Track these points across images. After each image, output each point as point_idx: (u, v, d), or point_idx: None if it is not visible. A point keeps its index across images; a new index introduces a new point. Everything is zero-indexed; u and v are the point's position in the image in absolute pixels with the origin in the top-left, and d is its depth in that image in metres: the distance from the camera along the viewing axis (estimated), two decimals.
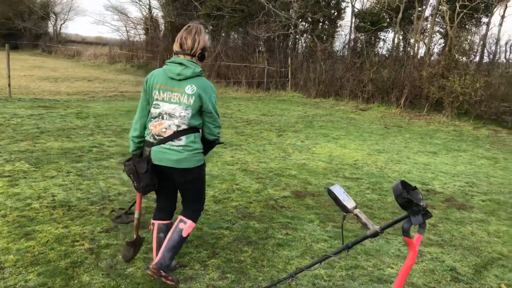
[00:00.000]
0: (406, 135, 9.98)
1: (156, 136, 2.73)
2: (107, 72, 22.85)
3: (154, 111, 2.74)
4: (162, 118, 2.70)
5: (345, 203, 2.00)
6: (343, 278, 3.14)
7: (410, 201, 1.78)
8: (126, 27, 29.78)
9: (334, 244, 3.72)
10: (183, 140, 2.69)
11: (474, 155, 8.31)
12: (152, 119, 2.75)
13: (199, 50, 2.73)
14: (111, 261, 3.14)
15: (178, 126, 2.68)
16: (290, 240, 3.75)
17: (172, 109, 2.68)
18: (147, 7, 27.26)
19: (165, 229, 2.98)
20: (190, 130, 2.72)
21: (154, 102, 2.73)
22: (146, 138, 2.81)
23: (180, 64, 2.69)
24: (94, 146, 6.56)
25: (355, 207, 2.01)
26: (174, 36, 2.96)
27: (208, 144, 2.88)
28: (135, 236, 3.17)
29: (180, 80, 2.68)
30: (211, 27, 22.13)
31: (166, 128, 2.69)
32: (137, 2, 26.75)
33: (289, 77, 17.97)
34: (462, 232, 4.24)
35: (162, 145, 2.70)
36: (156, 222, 3.00)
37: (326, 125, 10.66)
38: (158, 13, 27.53)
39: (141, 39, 28.60)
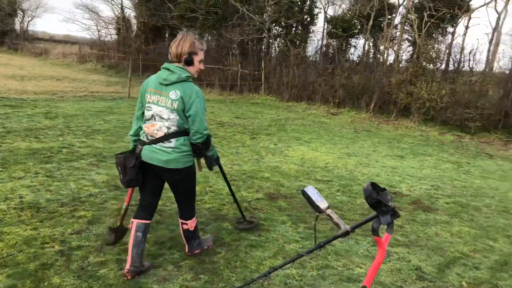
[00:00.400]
0: (375, 139, 10.24)
1: (149, 136, 2.92)
2: (77, 72, 22.34)
3: (147, 113, 2.94)
4: (154, 119, 2.90)
5: (318, 203, 2.07)
6: (314, 278, 3.22)
7: (379, 202, 1.86)
8: (97, 26, 29.15)
9: (305, 244, 3.80)
10: (173, 142, 2.87)
11: (439, 159, 8.62)
12: (146, 121, 2.95)
13: (185, 55, 2.87)
14: (83, 262, 3.11)
15: (168, 128, 2.86)
16: (263, 241, 3.80)
17: (160, 111, 2.86)
18: (119, 6, 26.81)
19: (143, 229, 3.03)
20: (180, 133, 2.89)
21: (147, 105, 2.93)
22: (140, 138, 3.00)
23: (168, 69, 2.87)
24: (64, 147, 6.43)
25: (328, 208, 2.09)
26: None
27: (194, 147, 2.96)
28: (118, 224, 3.32)
29: (166, 85, 2.84)
30: (184, 29, 21.97)
31: (157, 130, 2.88)
32: (109, 1, 26.27)
33: (263, 80, 18.09)
34: (427, 233, 4.41)
35: (154, 145, 2.90)
36: (136, 221, 3.05)
37: (299, 128, 10.81)
38: (130, 13, 27.11)
39: (113, 39, 28.11)
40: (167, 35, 24.80)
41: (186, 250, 3.36)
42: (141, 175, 2.96)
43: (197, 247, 3.36)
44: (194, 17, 20.17)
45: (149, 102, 2.90)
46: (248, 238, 3.82)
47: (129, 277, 2.93)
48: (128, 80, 14.48)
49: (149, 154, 2.90)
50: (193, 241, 3.33)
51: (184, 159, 2.92)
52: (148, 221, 3.09)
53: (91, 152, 6.32)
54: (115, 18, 27.18)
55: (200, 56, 2.95)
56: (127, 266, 2.95)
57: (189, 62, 2.90)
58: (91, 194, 4.57)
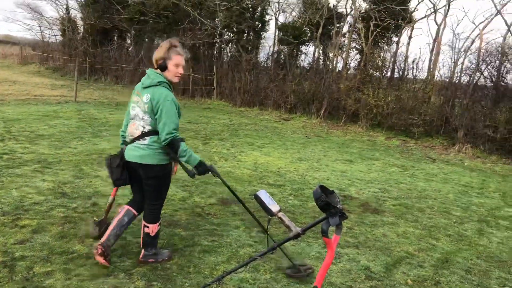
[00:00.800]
0: (325, 144, 10.51)
1: (129, 137, 3.16)
2: (18, 74, 21.20)
3: (131, 112, 3.18)
4: (135, 119, 3.13)
5: (270, 207, 2.11)
6: (268, 281, 3.26)
7: (328, 204, 1.93)
8: (40, 26, 27.83)
9: (259, 248, 3.83)
10: (147, 139, 3.07)
11: (386, 163, 9.00)
12: (130, 120, 3.20)
13: (159, 61, 3.09)
14: (27, 273, 2.96)
15: (143, 127, 3.08)
16: (217, 246, 3.80)
17: (138, 112, 3.10)
18: (65, 7, 25.74)
19: (131, 217, 3.29)
20: (154, 132, 3.06)
21: (131, 105, 3.20)
22: (125, 138, 3.26)
23: (146, 74, 3.14)
24: (4, 153, 6.09)
25: (279, 211, 2.13)
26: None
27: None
28: (103, 217, 3.47)
29: (144, 88, 3.08)
30: (133, 32, 21.51)
31: (136, 129, 3.11)
32: (53, 1, 25.14)
33: (215, 85, 18.06)
34: (375, 234, 4.59)
35: (133, 143, 3.12)
36: (127, 207, 3.30)
37: (251, 133, 10.89)
38: (77, 14, 26.08)
39: (57, 41, 26.93)
40: (116, 38, 24.15)
41: (140, 257, 3.34)
42: (126, 174, 3.18)
43: (152, 256, 3.35)
44: (144, 20, 19.79)
45: (133, 102, 3.16)
46: (201, 244, 3.80)
47: (99, 250, 3.05)
48: (75, 83, 13.95)
49: (128, 152, 3.13)
50: (150, 248, 3.33)
51: (158, 156, 3.07)
52: (136, 213, 3.31)
53: (35, 158, 6.03)
54: (60, 19, 26.08)
55: (175, 60, 3.09)
56: (102, 240, 3.11)
57: (162, 67, 3.08)
58: (35, 202, 4.36)
